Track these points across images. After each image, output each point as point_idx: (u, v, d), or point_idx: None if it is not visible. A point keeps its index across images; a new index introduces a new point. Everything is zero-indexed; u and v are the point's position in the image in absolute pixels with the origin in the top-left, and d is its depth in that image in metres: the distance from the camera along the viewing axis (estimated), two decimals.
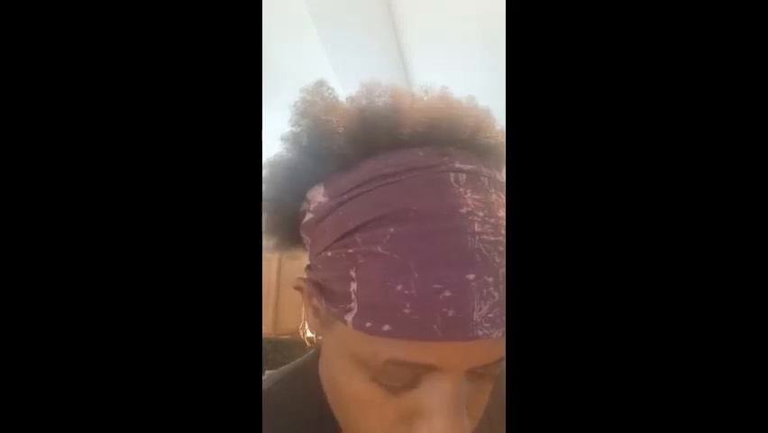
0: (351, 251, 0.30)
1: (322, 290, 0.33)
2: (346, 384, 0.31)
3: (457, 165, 0.32)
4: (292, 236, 0.39)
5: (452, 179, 0.31)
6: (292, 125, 0.34)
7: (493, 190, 0.32)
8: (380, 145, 0.32)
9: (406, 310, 0.27)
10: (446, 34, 1.81)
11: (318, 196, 0.34)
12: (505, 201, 0.32)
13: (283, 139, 0.35)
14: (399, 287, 0.27)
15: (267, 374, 0.43)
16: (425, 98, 0.34)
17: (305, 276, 0.37)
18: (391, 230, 0.29)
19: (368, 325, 0.28)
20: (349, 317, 0.29)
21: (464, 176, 0.31)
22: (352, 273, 0.30)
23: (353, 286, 0.29)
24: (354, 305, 0.29)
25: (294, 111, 0.34)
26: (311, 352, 0.44)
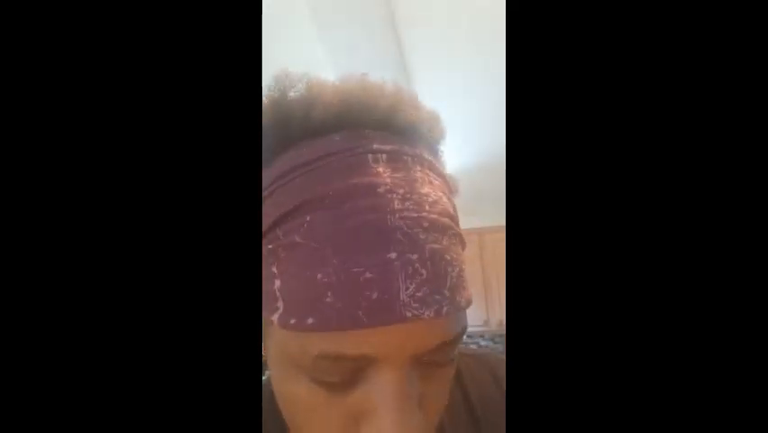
0: (271, 246, 0.29)
1: None
2: (289, 390, 0.30)
3: (375, 146, 0.30)
4: None
5: (370, 160, 0.29)
6: None
7: (418, 168, 0.31)
8: (294, 135, 0.31)
9: (328, 300, 0.26)
10: (446, 31, 1.81)
11: None
12: (431, 179, 0.31)
13: None
14: (319, 276, 0.26)
15: None
16: (340, 84, 0.33)
17: None
18: (308, 218, 0.28)
19: (292, 321, 0.27)
20: (275, 317, 0.28)
21: (384, 156, 0.30)
22: (275, 270, 0.28)
23: (277, 283, 0.28)
24: (280, 303, 0.28)
25: None
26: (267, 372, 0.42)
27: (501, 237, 3.38)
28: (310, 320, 0.26)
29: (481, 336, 3.75)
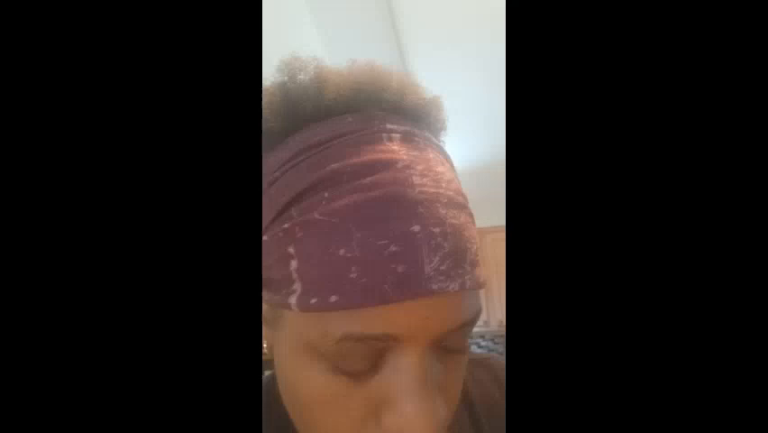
0: (287, 226, 0.28)
1: (263, 283, 0.30)
2: (304, 383, 0.28)
3: (389, 126, 0.30)
4: None
5: (384, 139, 0.30)
6: None
7: (430, 149, 0.31)
8: (306, 116, 0.31)
9: (353, 275, 0.25)
10: (445, 25, 1.81)
11: None
12: (442, 160, 0.31)
13: None
14: (342, 251, 0.25)
15: None
16: (349, 68, 0.33)
17: None
18: (326, 194, 0.27)
19: (313, 301, 0.26)
20: (293, 300, 0.27)
21: (398, 135, 0.30)
22: (291, 250, 0.27)
23: (294, 264, 0.27)
24: (297, 285, 0.27)
25: None
26: (267, 373, 0.41)
27: (501, 237, 3.38)
28: (333, 298, 0.25)
29: (482, 337, 3.74)
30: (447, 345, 0.28)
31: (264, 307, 0.32)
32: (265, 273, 0.29)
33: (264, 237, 0.29)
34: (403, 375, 0.26)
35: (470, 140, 2.62)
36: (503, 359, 0.47)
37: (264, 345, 0.32)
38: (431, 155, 0.30)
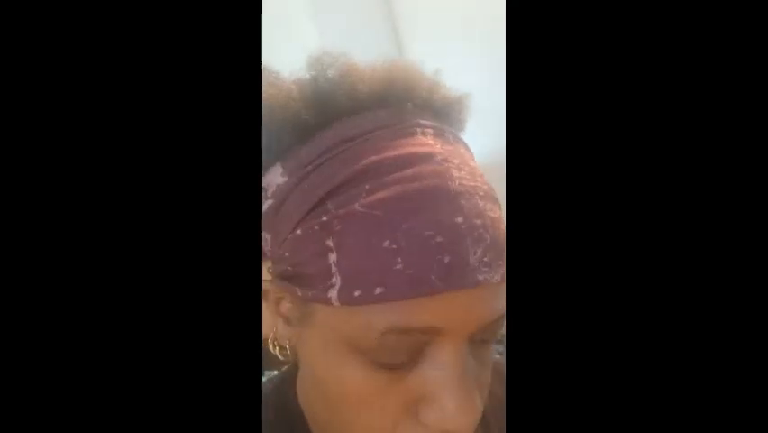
0: (324, 219, 0.27)
1: (293, 279, 0.30)
2: (340, 380, 0.28)
3: (421, 121, 0.31)
4: None
5: (418, 133, 0.30)
6: None
7: (461, 144, 0.31)
8: (339, 110, 0.31)
9: (398, 266, 0.25)
10: (445, 29, 1.80)
11: (276, 177, 0.31)
12: (472, 156, 0.32)
13: None
14: (386, 243, 0.25)
15: None
16: (380, 63, 0.33)
17: (268, 278, 0.33)
18: (367, 186, 0.27)
19: (357, 294, 0.25)
20: (333, 293, 0.26)
21: (430, 130, 0.30)
22: (329, 243, 0.27)
23: (333, 257, 0.27)
24: (337, 278, 0.26)
25: None
26: (276, 375, 0.41)
27: None
28: (379, 290, 0.25)
29: None
30: (482, 338, 0.28)
31: (286, 305, 0.32)
32: (295, 269, 0.29)
33: (297, 232, 0.29)
34: (444, 370, 0.26)
35: (467, 138, 2.62)
36: (503, 359, 0.47)
37: (285, 346, 0.32)
38: (462, 150, 0.31)
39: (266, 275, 0.33)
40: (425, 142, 0.29)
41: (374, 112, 0.31)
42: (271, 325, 0.34)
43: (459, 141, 0.32)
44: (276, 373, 0.42)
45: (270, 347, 0.34)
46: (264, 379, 0.41)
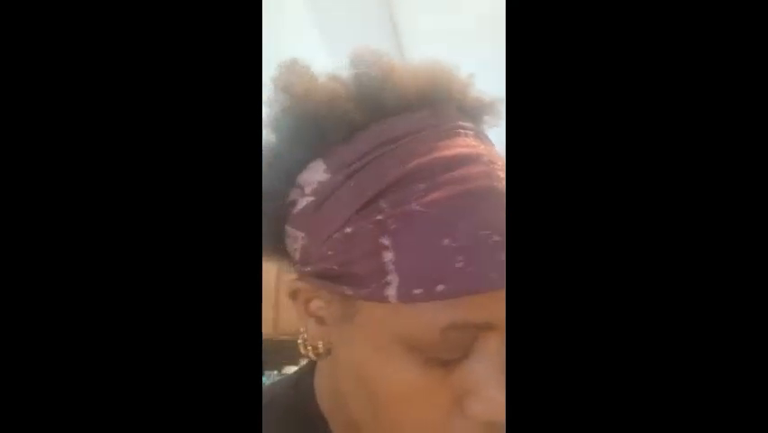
0: (379, 217, 0.28)
1: (339, 277, 0.29)
2: (391, 377, 0.28)
3: (461, 123, 0.31)
4: (273, 240, 0.34)
5: (461, 134, 0.31)
6: (273, 105, 0.32)
7: (493, 147, 0.32)
8: (384, 109, 0.31)
9: (459, 264, 0.26)
10: (445, 29, 1.80)
11: (317, 174, 0.31)
12: (503, 158, 0.32)
13: (263, 124, 0.33)
14: (446, 241, 0.26)
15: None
16: (418, 64, 0.34)
17: (298, 277, 0.32)
18: (421, 186, 0.28)
19: (417, 292, 0.26)
20: (391, 291, 0.27)
21: (471, 132, 0.31)
22: (385, 242, 0.27)
23: (388, 255, 0.27)
24: (393, 276, 0.27)
25: (281, 90, 0.32)
26: (288, 376, 0.41)
27: None
28: (440, 288, 0.26)
29: None
30: None
31: (317, 304, 0.32)
32: (343, 267, 0.29)
33: (347, 230, 0.29)
34: (491, 363, 0.27)
35: None
36: None
37: (319, 346, 0.32)
38: (496, 151, 0.31)
39: (285, 275, 0.33)
40: (470, 144, 0.30)
41: (418, 112, 0.31)
42: (300, 325, 0.34)
43: (491, 143, 0.33)
44: (282, 373, 0.41)
45: (302, 349, 0.34)
46: (264, 379, 0.41)
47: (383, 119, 0.31)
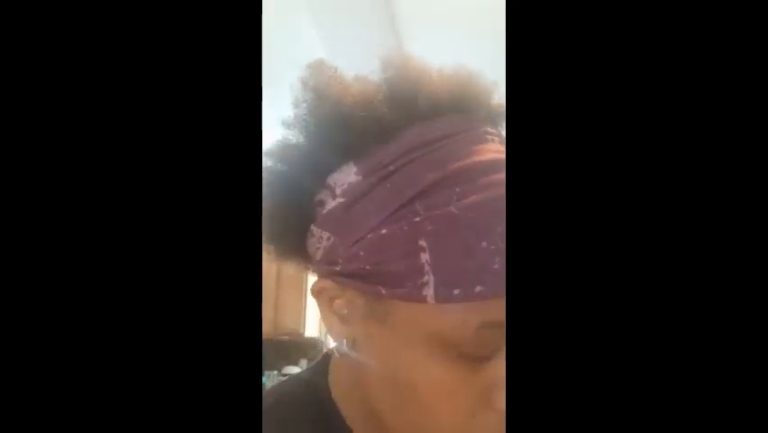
0: (416, 220, 0.29)
1: (372, 277, 0.30)
2: (422, 373, 0.29)
3: (488, 128, 0.32)
4: (295, 240, 0.35)
5: (489, 139, 0.31)
6: (300, 107, 0.33)
7: None
8: (417, 112, 0.31)
9: (496, 266, 0.27)
10: (444, 28, 1.80)
11: (348, 176, 0.31)
12: None
13: (288, 125, 0.33)
14: (484, 244, 0.27)
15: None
16: (445, 68, 0.34)
17: (325, 275, 0.33)
18: (458, 189, 0.29)
19: (455, 292, 0.27)
20: (429, 291, 0.28)
21: (497, 137, 0.32)
22: (422, 243, 0.28)
23: (425, 257, 0.28)
24: (429, 277, 0.28)
25: (311, 90, 0.33)
26: (299, 373, 0.41)
27: None
28: (479, 288, 0.27)
29: None
30: None
31: (340, 303, 0.32)
32: (376, 267, 0.30)
33: (382, 231, 0.29)
34: None
35: None
36: None
37: (342, 344, 0.33)
38: None
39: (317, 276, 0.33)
40: (499, 149, 0.31)
41: (450, 116, 0.32)
42: (326, 324, 0.34)
43: None
44: (283, 373, 0.42)
45: (325, 347, 0.35)
46: (264, 379, 0.41)
47: (416, 122, 0.31)
